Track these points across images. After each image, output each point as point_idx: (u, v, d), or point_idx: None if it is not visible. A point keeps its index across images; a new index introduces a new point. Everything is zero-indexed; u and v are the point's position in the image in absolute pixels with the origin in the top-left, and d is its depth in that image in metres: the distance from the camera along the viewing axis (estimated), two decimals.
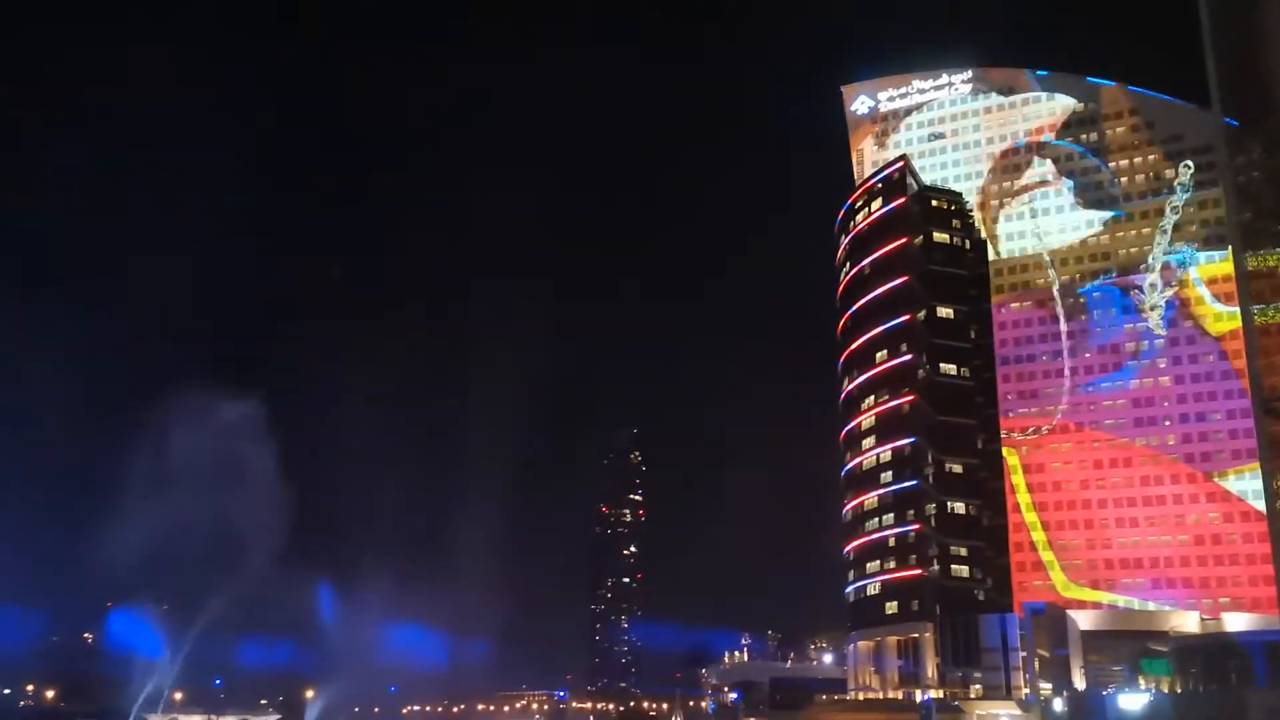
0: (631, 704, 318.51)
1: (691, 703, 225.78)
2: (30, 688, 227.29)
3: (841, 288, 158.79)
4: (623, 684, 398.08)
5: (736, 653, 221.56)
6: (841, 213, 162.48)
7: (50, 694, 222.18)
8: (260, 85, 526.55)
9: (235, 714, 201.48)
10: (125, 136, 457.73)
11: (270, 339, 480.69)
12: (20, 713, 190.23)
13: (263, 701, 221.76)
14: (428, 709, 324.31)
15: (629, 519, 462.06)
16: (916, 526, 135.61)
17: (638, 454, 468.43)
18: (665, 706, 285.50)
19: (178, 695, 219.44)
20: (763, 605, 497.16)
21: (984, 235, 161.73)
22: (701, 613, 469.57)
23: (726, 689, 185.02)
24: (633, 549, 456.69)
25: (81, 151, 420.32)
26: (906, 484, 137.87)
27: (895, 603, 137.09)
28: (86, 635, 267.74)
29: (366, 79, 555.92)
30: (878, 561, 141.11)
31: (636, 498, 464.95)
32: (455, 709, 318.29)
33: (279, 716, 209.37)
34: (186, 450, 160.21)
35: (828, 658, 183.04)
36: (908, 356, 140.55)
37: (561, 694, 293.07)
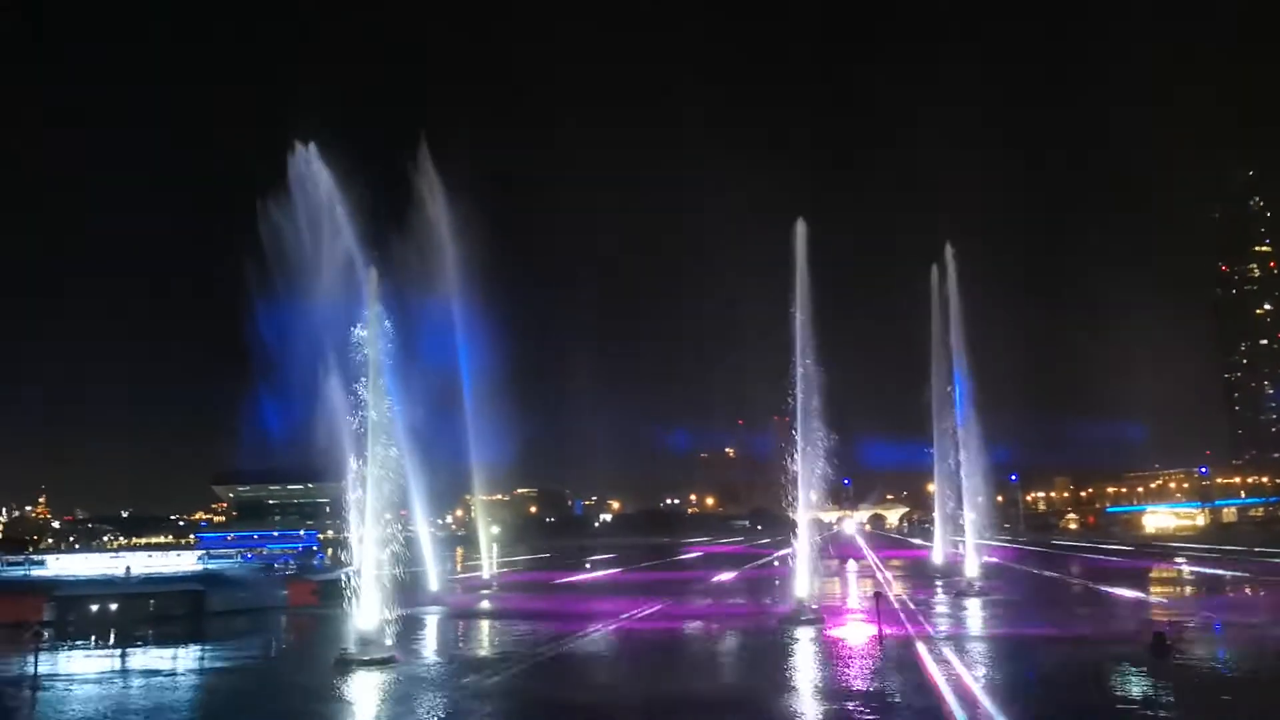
0: None
1: None
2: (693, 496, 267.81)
3: None
4: (1276, 454, 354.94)
5: None
6: None
7: (709, 500, 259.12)
8: None
9: (867, 507, 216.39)
10: None
11: None
12: None
13: (889, 496, 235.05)
14: (1051, 495, 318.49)
15: (1257, 273, 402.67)
16: None
17: (1258, 199, 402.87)
18: None
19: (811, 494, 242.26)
20: None
21: None
22: None
23: None
24: (1267, 306, 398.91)
25: None
26: None
27: None
28: (728, 450, 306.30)
29: None
30: None
31: (1264, 248, 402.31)
32: (1082, 493, 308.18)
33: (907, 508, 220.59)
34: None
35: None
36: None
37: (1203, 470, 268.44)
